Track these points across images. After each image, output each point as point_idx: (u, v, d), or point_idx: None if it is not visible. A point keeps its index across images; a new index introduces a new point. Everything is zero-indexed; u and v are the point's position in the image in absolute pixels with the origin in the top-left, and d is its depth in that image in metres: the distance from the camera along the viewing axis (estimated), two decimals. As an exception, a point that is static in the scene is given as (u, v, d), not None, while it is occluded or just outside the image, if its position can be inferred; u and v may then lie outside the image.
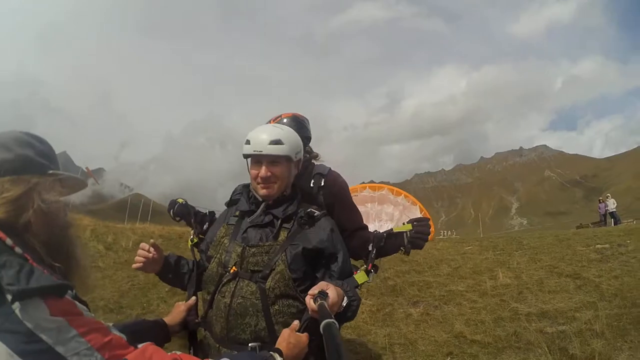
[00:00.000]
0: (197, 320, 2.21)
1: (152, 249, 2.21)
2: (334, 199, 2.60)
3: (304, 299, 1.82)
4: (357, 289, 2.09)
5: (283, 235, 2.09)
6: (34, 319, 1.08)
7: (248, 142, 2.11)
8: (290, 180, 2.21)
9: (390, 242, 2.44)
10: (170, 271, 2.35)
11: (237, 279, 2.02)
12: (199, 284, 2.29)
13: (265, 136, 2.08)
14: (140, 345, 1.30)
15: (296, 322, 1.85)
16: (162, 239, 14.07)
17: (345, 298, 1.81)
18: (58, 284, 1.16)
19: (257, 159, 2.13)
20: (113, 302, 8.00)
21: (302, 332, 1.82)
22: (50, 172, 1.45)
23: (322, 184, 2.60)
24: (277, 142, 2.06)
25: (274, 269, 1.99)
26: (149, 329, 2.00)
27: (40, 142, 1.49)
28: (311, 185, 2.60)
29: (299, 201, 2.24)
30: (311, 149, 2.91)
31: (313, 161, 2.85)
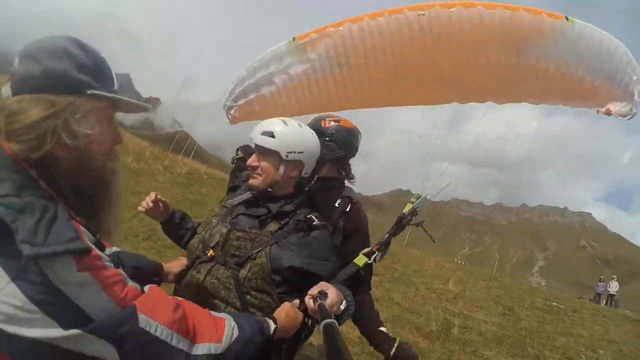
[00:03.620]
0: None
1: (159, 203, 2.31)
2: (356, 230, 2.57)
3: (279, 300, 1.89)
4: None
5: (273, 227, 2.00)
6: (57, 274, 1.00)
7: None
8: (277, 179, 2.06)
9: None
10: (173, 226, 2.42)
11: (213, 262, 1.98)
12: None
13: (262, 126, 2.05)
14: (146, 288, 1.24)
15: (297, 301, 1.83)
16: (207, 175, 17.33)
17: (344, 302, 1.77)
18: (84, 248, 1.04)
19: (253, 147, 2.12)
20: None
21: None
22: (90, 92, 1.14)
23: (348, 209, 2.55)
24: (269, 134, 1.99)
25: (253, 259, 1.92)
26: (147, 270, 2.05)
27: (86, 53, 1.18)
28: (336, 205, 2.54)
29: (299, 203, 2.13)
30: (350, 167, 2.82)
31: (347, 182, 2.78)
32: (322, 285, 1.69)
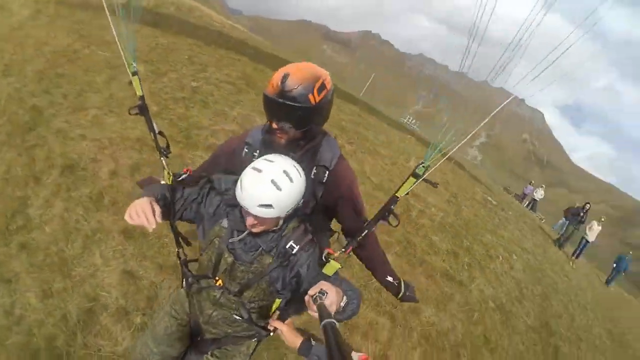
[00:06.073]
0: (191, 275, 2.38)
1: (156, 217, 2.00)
2: (337, 200, 2.39)
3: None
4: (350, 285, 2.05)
5: (267, 260, 2.12)
6: None
7: (240, 188, 1.95)
8: (277, 226, 2.13)
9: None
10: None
11: (223, 289, 2.21)
12: (174, 213, 2.29)
13: (256, 196, 1.91)
14: None
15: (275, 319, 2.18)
16: (174, 6, 16.68)
17: (345, 297, 1.82)
18: None
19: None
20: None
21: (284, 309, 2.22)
22: None
23: (325, 180, 2.34)
24: (267, 206, 1.92)
25: (256, 285, 2.17)
26: None
27: None
28: (312, 176, 2.32)
29: (284, 229, 2.15)
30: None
31: (323, 139, 2.41)
32: (322, 285, 1.74)
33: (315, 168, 2.32)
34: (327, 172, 2.33)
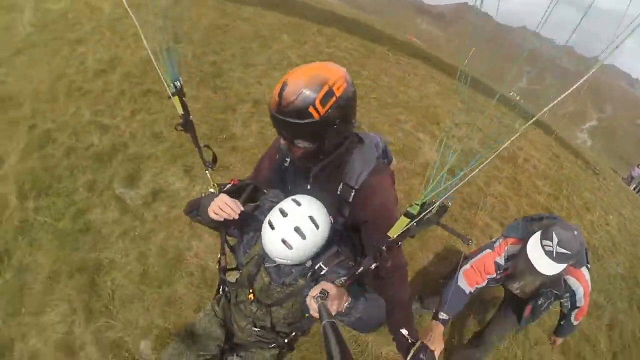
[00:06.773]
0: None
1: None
2: (362, 223, 2.16)
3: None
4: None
5: (302, 282, 2.12)
6: None
7: (262, 234, 1.99)
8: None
9: None
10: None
11: (256, 302, 2.24)
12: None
13: (270, 251, 1.96)
14: None
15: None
16: None
17: (349, 299, 1.77)
18: None
19: None
20: None
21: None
22: None
23: (350, 199, 2.09)
24: (283, 258, 1.96)
25: (290, 304, 2.18)
26: None
27: None
28: (338, 192, 2.11)
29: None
30: (350, 125, 1.97)
31: (356, 147, 2.11)
32: (323, 285, 1.68)
33: (341, 185, 2.10)
34: (352, 192, 2.08)
